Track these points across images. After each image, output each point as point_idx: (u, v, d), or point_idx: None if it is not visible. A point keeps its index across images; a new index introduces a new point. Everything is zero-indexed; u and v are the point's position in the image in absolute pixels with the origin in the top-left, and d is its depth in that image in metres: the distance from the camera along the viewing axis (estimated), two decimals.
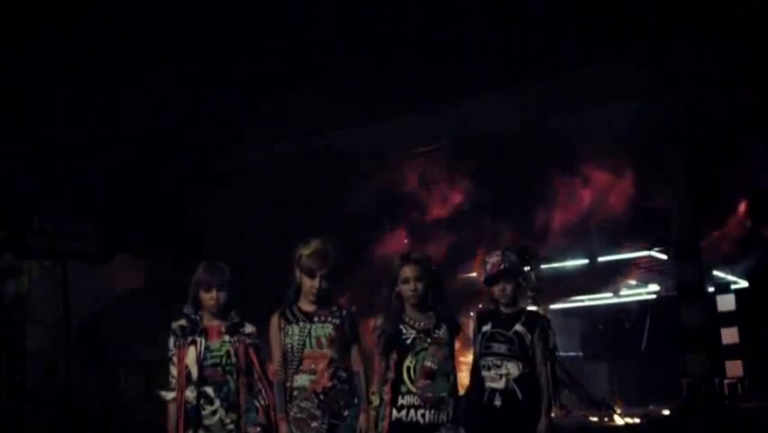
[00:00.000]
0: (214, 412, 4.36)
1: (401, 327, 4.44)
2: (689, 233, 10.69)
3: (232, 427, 4.37)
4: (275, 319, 4.50)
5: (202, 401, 4.36)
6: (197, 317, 4.49)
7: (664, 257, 12.14)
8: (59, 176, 9.90)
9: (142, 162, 10.25)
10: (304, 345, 4.41)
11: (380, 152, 10.94)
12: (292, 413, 4.37)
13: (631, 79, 9.24)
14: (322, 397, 4.36)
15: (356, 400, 4.43)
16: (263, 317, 4.54)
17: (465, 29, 8.55)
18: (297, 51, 8.88)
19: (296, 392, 4.39)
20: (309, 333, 4.43)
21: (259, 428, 4.37)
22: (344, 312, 4.51)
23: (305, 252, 4.49)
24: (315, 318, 4.46)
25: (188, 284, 4.55)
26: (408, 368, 4.37)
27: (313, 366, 4.39)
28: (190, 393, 4.37)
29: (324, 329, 4.44)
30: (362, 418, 4.39)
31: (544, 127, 9.93)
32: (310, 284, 4.45)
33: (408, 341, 4.40)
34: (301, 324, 4.45)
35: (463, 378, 4.67)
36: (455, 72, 9.11)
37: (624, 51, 8.74)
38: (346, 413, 4.38)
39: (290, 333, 4.43)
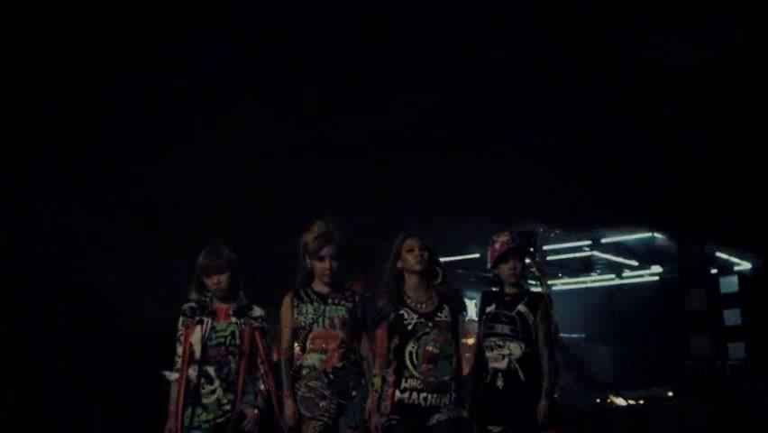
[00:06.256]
0: (212, 391, 4.35)
1: (402, 311, 4.44)
2: (692, 215, 10.67)
3: (228, 407, 4.35)
4: (288, 298, 4.52)
5: (202, 380, 4.35)
6: (207, 299, 4.50)
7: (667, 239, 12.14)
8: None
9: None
10: (316, 323, 4.42)
11: None
12: (300, 392, 4.38)
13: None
14: (331, 377, 4.38)
15: (364, 382, 4.45)
16: (274, 300, 4.54)
17: None
18: None
19: (305, 371, 4.41)
20: (323, 313, 4.45)
21: (256, 410, 4.37)
22: (357, 297, 4.53)
23: (309, 237, 4.49)
24: (329, 300, 4.48)
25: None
26: (411, 353, 4.37)
27: (324, 346, 4.40)
28: (192, 372, 4.36)
29: (337, 311, 4.45)
30: (370, 399, 4.40)
31: None
32: (321, 267, 4.46)
33: (410, 327, 4.40)
34: (315, 304, 4.47)
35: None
36: None
37: None
38: (354, 393, 4.40)
39: (304, 311, 4.45)
